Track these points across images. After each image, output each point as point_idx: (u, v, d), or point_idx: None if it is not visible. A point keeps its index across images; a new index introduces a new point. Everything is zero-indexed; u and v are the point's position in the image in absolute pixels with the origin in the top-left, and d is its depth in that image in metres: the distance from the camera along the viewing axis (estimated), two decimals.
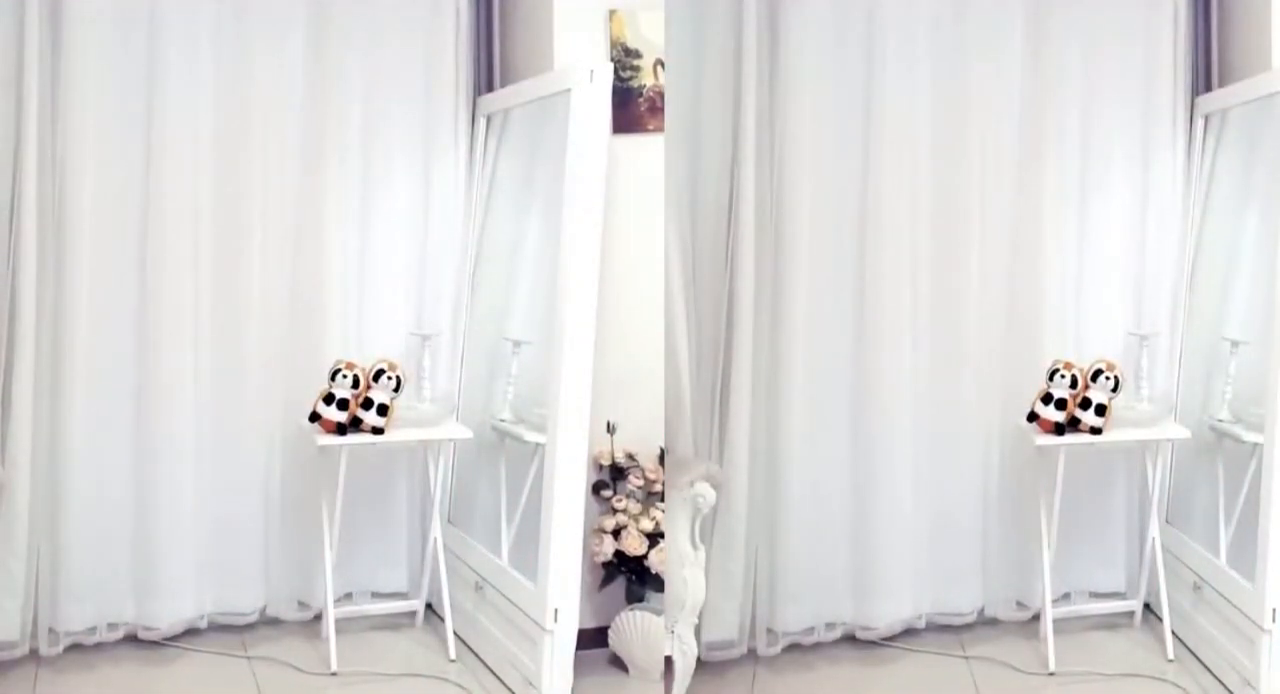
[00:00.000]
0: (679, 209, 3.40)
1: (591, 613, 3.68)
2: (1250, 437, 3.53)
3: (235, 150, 3.73)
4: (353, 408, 3.63)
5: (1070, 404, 3.65)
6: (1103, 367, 3.66)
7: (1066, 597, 3.96)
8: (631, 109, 3.68)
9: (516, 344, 3.72)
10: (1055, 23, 3.79)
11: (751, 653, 3.66)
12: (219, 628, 3.85)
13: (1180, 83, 3.88)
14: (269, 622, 3.91)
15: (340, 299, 3.88)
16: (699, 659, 3.39)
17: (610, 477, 3.71)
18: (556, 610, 3.29)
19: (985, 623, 3.92)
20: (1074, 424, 3.65)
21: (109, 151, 3.57)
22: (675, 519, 3.32)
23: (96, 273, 3.58)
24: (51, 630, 3.59)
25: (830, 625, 3.78)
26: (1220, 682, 3.50)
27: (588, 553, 3.61)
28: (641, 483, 3.69)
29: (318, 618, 3.85)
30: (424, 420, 3.78)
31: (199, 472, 3.75)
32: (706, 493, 3.33)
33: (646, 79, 3.70)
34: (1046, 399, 3.67)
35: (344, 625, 3.75)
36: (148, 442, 3.69)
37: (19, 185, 3.40)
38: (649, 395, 3.48)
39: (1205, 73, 3.93)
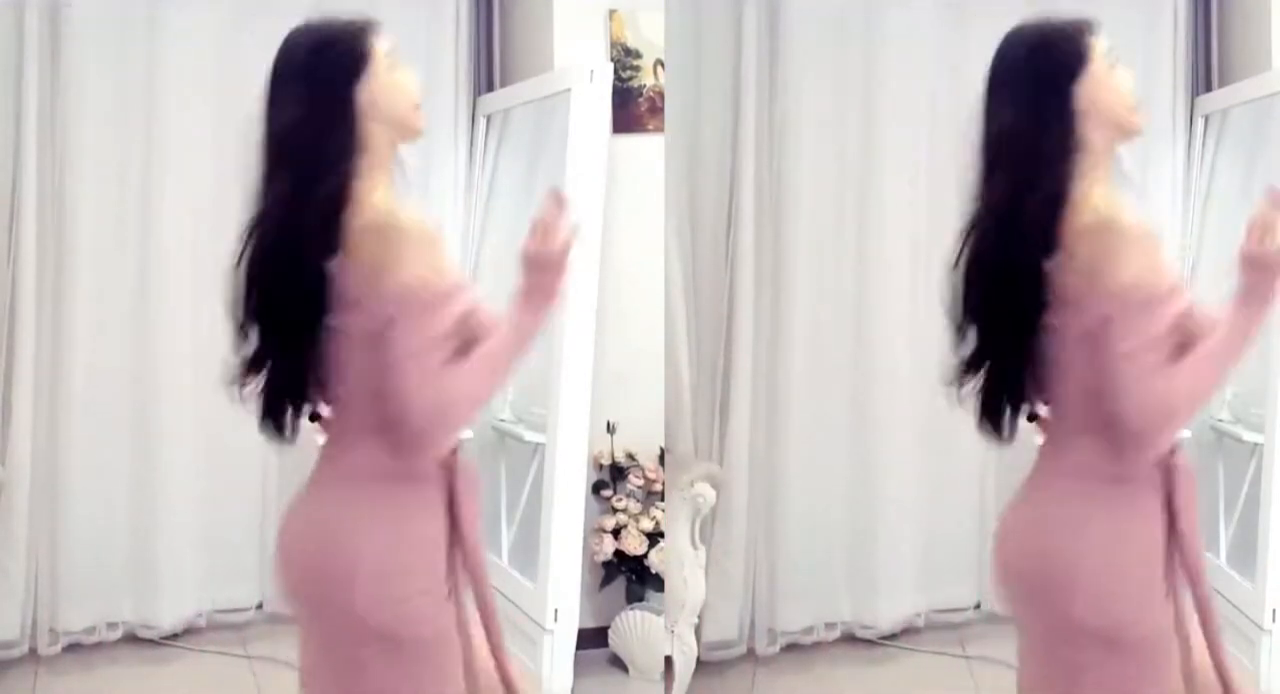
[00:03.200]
0: (679, 209, 3.40)
1: (591, 613, 3.68)
2: (1250, 436, 3.53)
3: (235, 150, 3.72)
4: None
5: None
6: None
7: None
8: (631, 109, 3.68)
9: None
10: None
11: (751, 653, 3.66)
12: (218, 627, 3.85)
13: (1180, 83, 3.88)
14: (268, 619, 3.91)
15: None
16: (699, 659, 3.39)
17: (610, 477, 3.71)
18: (556, 610, 3.29)
19: (985, 621, 3.91)
20: None
21: (109, 151, 3.57)
22: (675, 519, 3.32)
23: (96, 273, 3.58)
24: (51, 630, 3.59)
25: (830, 625, 3.78)
26: None
27: (588, 553, 3.61)
28: (641, 483, 3.69)
29: None
30: None
31: (198, 471, 3.75)
32: (706, 493, 3.33)
33: (646, 79, 3.70)
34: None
35: None
36: (147, 441, 3.69)
37: (19, 185, 3.40)
38: (649, 395, 3.48)
39: (1205, 73, 3.93)
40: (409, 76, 1.95)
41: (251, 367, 1.98)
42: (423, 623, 1.92)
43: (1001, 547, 2.06)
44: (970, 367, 1.95)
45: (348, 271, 1.82)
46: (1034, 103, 1.92)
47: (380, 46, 1.92)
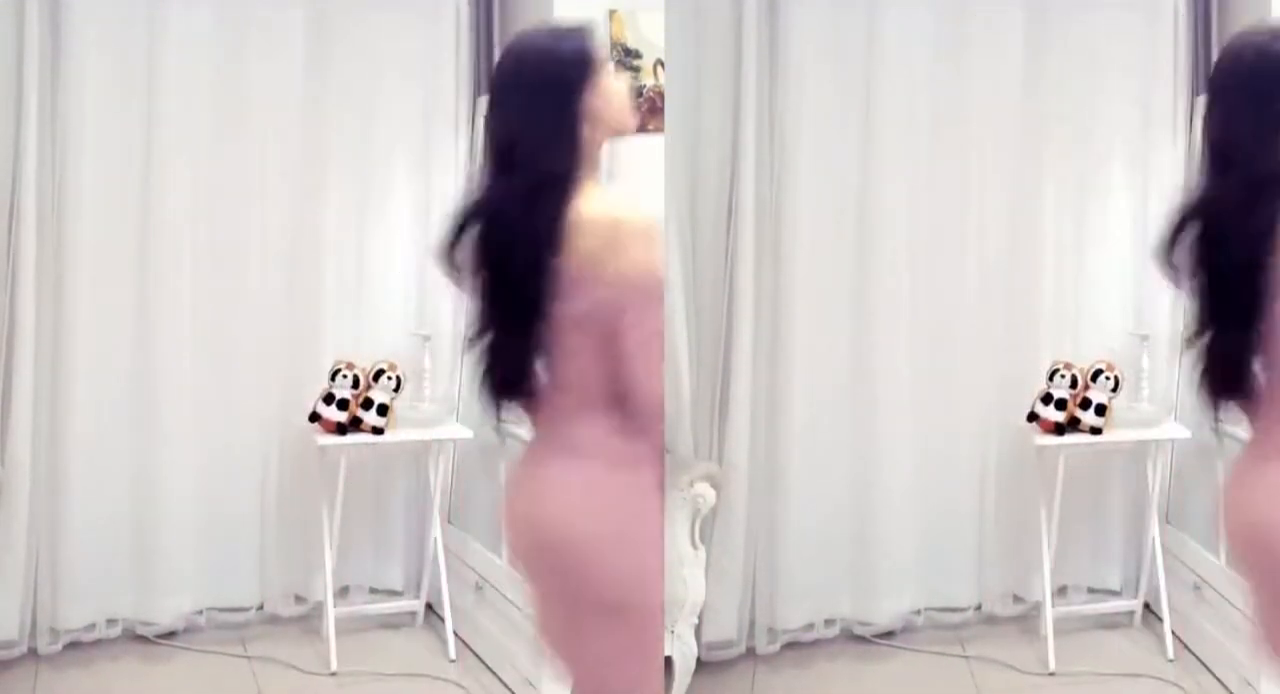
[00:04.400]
0: (679, 209, 3.40)
1: None
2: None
3: (234, 150, 3.73)
4: (353, 408, 3.63)
5: (1070, 404, 3.65)
6: (1103, 367, 3.66)
7: (1063, 591, 3.95)
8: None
9: None
10: (1055, 23, 3.79)
11: (751, 652, 3.66)
12: (218, 626, 3.85)
13: (1180, 83, 3.88)
14: (267, 620, 3.91)
15: (340, 299, 3.88)
16: (699, 659, 3.39)
17: None
18: None
19: (984, 621, 3.91)
20: (1074, 424, 3.65)
21: (109, 152, 3.57)
22: (675, 519, 3.32)
23: (96, 273, 3.58)
24: (51, 629, 3.59)
25: (829, 622, 3.78)
26: (1220, 682, 3.50)
27: None
28: None
29: (315, 614, 3.85)
30: (424, 420, 3.78)
31: (198, 471, 3.75)
32: (706, 493, 3.33)
33: (646, 79, 3.70)
34: (1046, 399, 3.67)
35: (343, 625, 3.75)
36: (147, 440, 3.69)
37: (19, 186, 3.40)
38: None
39: (1205, 73, 3.93)
40: (622, 81, 2.13)
41: (478, 342, 2.11)
42: (646, 593, 2.07)
43: (1230, 520, 2.16)
44: (1199, 338, 2.07)
45: (571, 262, 1.95)
46: (1258, 118, 2.01)
47: (602, 56, 2.08)
